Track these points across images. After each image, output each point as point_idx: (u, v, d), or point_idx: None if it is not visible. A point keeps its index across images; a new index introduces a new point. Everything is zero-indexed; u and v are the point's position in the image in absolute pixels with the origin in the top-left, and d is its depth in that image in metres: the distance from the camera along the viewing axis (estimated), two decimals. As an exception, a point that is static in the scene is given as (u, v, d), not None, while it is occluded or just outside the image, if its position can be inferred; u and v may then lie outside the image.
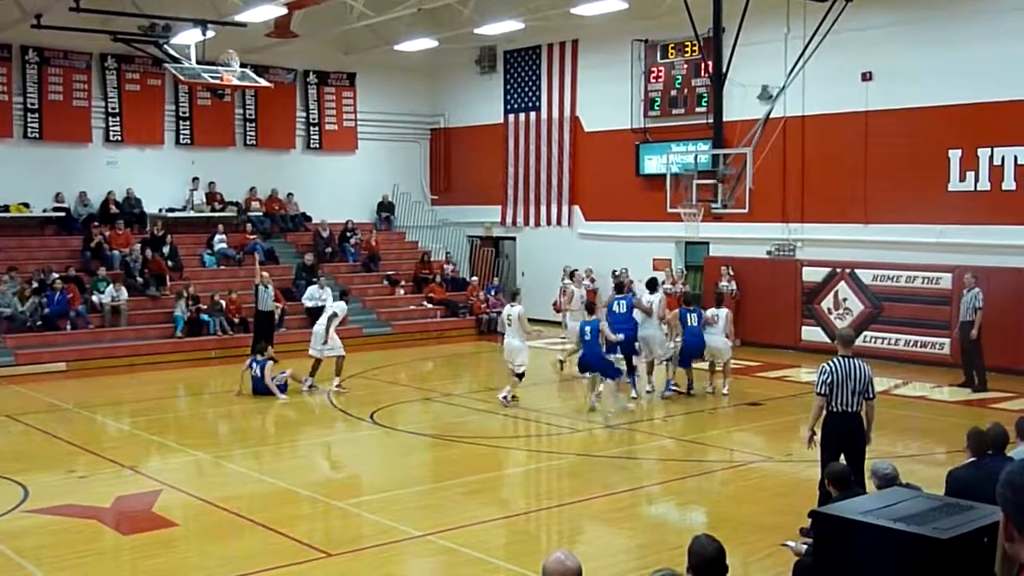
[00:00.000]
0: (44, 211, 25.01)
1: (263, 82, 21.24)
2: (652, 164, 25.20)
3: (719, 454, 13.57)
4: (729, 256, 23.62)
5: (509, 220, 29.35)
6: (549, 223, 28.30)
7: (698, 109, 24.36)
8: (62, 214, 25.07)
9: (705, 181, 21.38)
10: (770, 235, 23.02)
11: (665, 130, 25.17)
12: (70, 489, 11.89)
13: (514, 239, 29.69)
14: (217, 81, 19.07)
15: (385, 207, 30.27)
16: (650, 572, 3.84)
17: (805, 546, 7.03)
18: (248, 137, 28.08)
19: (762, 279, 23.04)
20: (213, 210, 27.00)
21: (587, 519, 11.03)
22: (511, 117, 29.16)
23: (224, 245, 26.11)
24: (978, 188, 19.89)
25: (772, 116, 21.19)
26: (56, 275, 22.38)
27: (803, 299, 22.43)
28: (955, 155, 20.08)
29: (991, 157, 19.68)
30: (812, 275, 22.33)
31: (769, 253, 23.25)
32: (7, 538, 9.96)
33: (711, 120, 23.17)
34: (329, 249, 27.56)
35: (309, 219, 28.46)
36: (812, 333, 22.27)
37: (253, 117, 28.06)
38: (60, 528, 10.45)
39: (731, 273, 23.13)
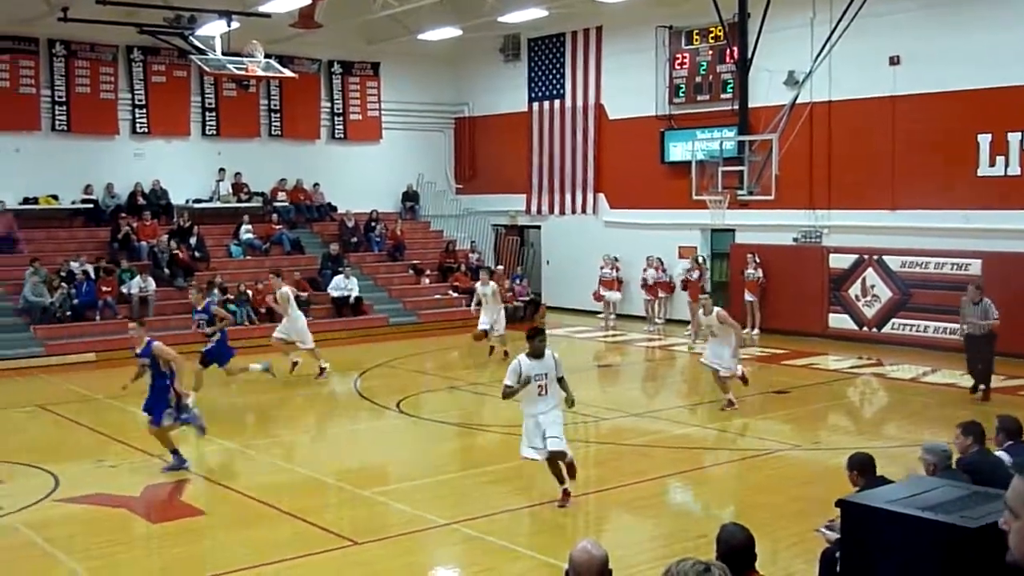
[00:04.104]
0: (72, 203, 25.20)
1: (288, 72, 21.27)
2: (677, 151, 25.08)
3: (746, 442, 13.52)
4: (755, 243, 23.49)
5: (534, 208, 29.30)
6: (574, 211, 28.24)
7: (723, 95, 24.22)
8: (90, 206, 25.24)
9: (731, 168, 21.29)
10: (797, 222, 22.87)
11: (690, 117, 25.04)
12: (100, 478, 11.99)
13: (539, 227, 29.65)
14: (242, 72, 19.13)
15: (410, 196, 30.30)
16: (676, 560, 3.82)
17: (837, 534, 6.99)
18: (273, 128, 28.15)
19: (789, 266, 22.91)
20: (239, 201, 27.12)
21: (613, 507, 11.02)
22: (535, 105, 29.09)
23: (250, 236, 26.22)
24: (1008, 173, 19.67)
25: (798, 102, 21.06)
26: (86, 265, 22.56)
27: (830, 286, 22.30)
28: (984, 139, 19.87)
29: (1021, 141, 19.46)
30: (839, 262, 22.19)
31: (796, 240, 23.11)
32: (38, 527, 10.06)
33: (736, 106, 23.06)
34: (354, 239, 27.63)
35: (334, 209, 28.53)
36: (839, 320, 22.16)
37: (278, 108, 28.13)
38: (90, 517, 10.55)
39: (757, 260, 23.02)
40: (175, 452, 12.20)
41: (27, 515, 10.50)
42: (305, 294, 24.07)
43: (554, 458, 10.32)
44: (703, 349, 16.61)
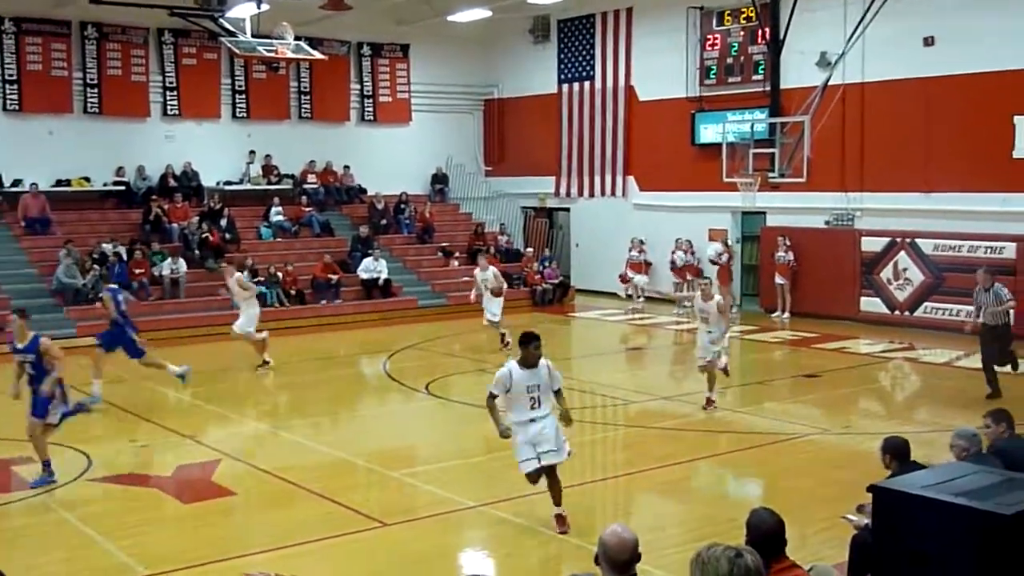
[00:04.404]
0: (104, 185, 25.38)
1: (317, 54, 21.28)
2: (708, 133, 24.92)
3: (776, 426, 13.44)
4: (786, 226, 23.33)
5: (563, 191, 29.22)
6: (603, 194, 28.14)
7: (755, 77, 24.03)
8: (122, 188, 25.40)
9: (762, 150, 21.14)
10: (828, 204, 22.68)
11: (721, 99, 24.85)
12: (132, 458, 12.11)
13: (568, 210, 29.58)
14: (272, 54, 19.15)
15: (439, 178, 30.29)
16: (706, 545, 3.80)
17: (866, 520, 6.94)
18: (303, 110, 28.20)
19: (820, 249, 22.75)
20: (269, 183, 27.21)
21: (642, 491, 11.01)
22: (565, 87, 28.98)
23: (281, 218, 26.31)
24: (1044, 155, 19.42)
25: (831, 83, 20.85)
26: (118, 247, 22.74)
27: (862, 269, 22.13)
28: (1020, 121, 19.57)
29: (1058, 123, 19.20)
30: (871, 245, 22.01)
31: (827, 223, 22.93)
32: (72, 506, 10.17)
33: (768, 88, 22.94)
34: (384, 221, 27.67)
35: (364, 191, 28.58)
36: (871, 304, 22.00)
37: (308, 90, 28.17)
38: (123, 496, 10.65)
39: (788, 243, 22.88)
40: (47, 464, 10.91)
41: (60, 494, 10.61)
42: (335, 277, 24.18)
43: (548, 472, 9.26)
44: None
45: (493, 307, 19.30)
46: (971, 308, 15.47)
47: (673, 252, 25.13)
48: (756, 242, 24.77)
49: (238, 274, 18.51)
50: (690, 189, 25.22)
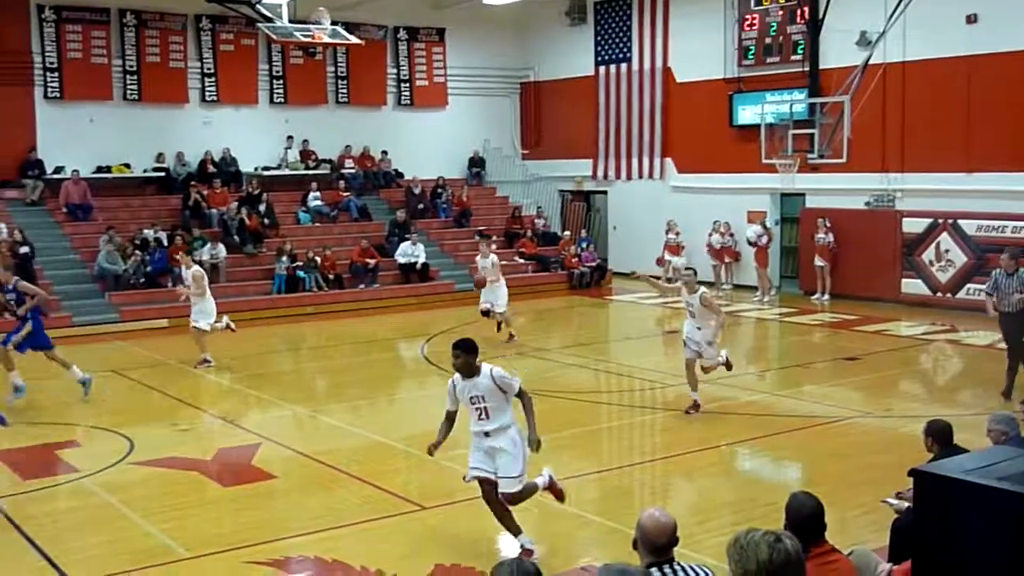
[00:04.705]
0: (145, 171, 25.59)
1: (354, 39, 21.28)
2: (746, 114, 24.73)
3: (815, 409, 13.35)
4: (826, 208, 23.11)
5: (600, 173, 29.12)
6: (641, 176, 28.02)
7: (794, 57, 23.79)
8: (162, 174, 25.61)
9: (801, 131, 20.97)
10: (869, 185, 22.44)
11: (759, 79, 24.63)
12: (173, 442, 12.22)
13: (605, 193, 29.49)
14: (309, 39, 19.18)
15: (476, 162, 30.28)
16: (744, 530, 3.78)
17: (907, 504, 6.88)
18: (340, 95, 28.27)
19: (860, 231, 22.52)
20: (307, 168, 27.33)
21: (680, 475, 10.98)
22: (602, 69, 28.85)
23: (319, 202, 26.43)
24: (1089, 134, 19.10)
25: (871, 63, 20.61)
26: (159, 232, 22.96)
27: (903, 251, 21.89)
28: (1065, 100, 19.30)
29: (1104, 101, 18.87)
30: (912, 226, 21.77)
31: (868, 204, 22.70)
32: (114, 489, 10.29)
33: (807, 68, 22.71)
34: (421, 205, 27.71)
35: (401, 175, 28.63)
36: (912, 286, 21.77)
37: (344, 75, 28.23)
38: (164, 479, 10.76)
39: (828, 225, 22.67)
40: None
41: (103, 477, 10.74)
42: (373, 261, 24.27)
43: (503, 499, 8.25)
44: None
45: (495, 296, 18.26)
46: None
47: (710, 234, 24.98)
48: (795, 224, 24.58)
49: (196, 267, 17.55)
50: (728, 171, 25.07)
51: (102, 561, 8.32)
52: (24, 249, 20.46)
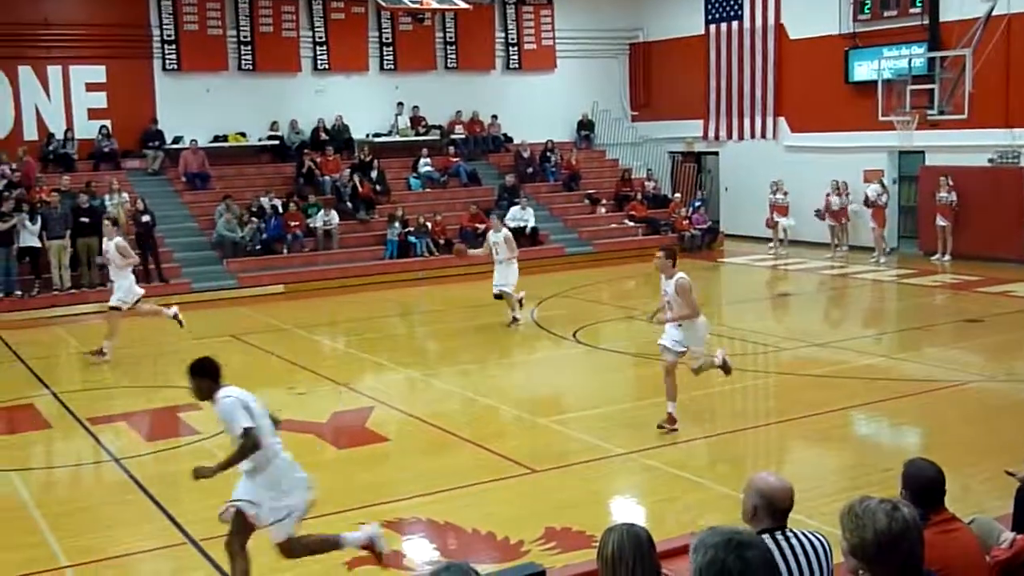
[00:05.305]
0: (260, 140, 26.10)
1: (462, 4, 21.38)
2: (862, 70, 24.04)
3: (936, 373, 12.98)
4: (947, 165, 22.37)
5: (711, 134, 28.67)
6: (753, 136, 27.50)
7: (912, 10, 22.99)
8: (276, 142, 26.09)
9: (920, 86, 20.32)
10: (992, 141, 21.63)
11: (876, 34, 23.88)
12: (290, 405, 12.46)
13: (716, 154, 29.04)
14: (417, 5, 19.31)
15: (585, 125, 30.10)
16: (859, 498, 3.69)
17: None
18: (449, 60, 28.34)
19: (983, 189, 21.76)
20: (417, 134, 27.52)
21: (793, 439, 10.82)
22: (712, 27, 28.32)
23: (429, 168, 26.61)
24: None
25: (994, 14, 19.78)
26: (274, 200, 23.43)
27: (1029, 209, 21.10)
28: None
29: None
30: (1039, 183, 20.95)
31: (991, 161, 21.90)
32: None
33: (927, 21, 21.92)
34: (530, 169, 27.69)
35: (510, 140, 28.63)
36: (1039, 245, 20.98)
37: (453, 40, 28.28)
38: (282, 442, 10.98)
39: (950, 183, 21.96)
40: None
41: (222, 440, 10.99)
42: (483, 226, 24.34)
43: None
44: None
45: (505, 277, 16.80)
46: None
47: (828, 195, 24.32)
48: (913, 182, 23.86)
49: (119, 239, 15.78)
50: (844, 129, 24.42)
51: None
52: (146, 218, 21.09)
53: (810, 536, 4.48)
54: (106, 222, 16.54)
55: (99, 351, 15.11)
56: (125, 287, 15.38)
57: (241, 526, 6.87)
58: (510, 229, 18.12)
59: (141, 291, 15.79)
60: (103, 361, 15.02)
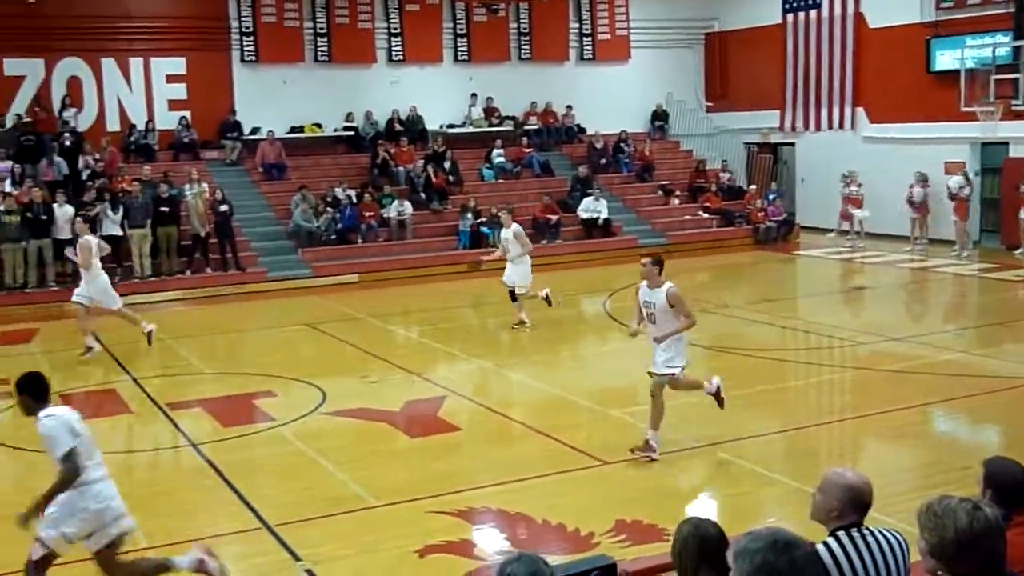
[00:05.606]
0: (335, 131, 26.35)
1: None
2: (944, 60, 23.52)
3: (1018, 370, 12.66)
4: (1032, 157, 21.83)
5: (788, 125, 28.29)
6: (831, 127, 27.06)
7: (997, -3, 22.46)
8: (351, 133, 26.32)
9: (1005, 76, 19.88)
10: (1080, 132, 21.07)
11: (959, 22, 23.33)
12: (363, 393, 12.63)
13: (793, 145, 28.65)
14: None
15: (659, 116, 29.89)
16: (937, 497, 3.61)
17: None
18: (523, 51, 28.33)
19: (1070, 181, 21.18)
20: (491, 125, 27.57)
21: (869, 435, 10.66)
22: (790, 17, 27.92)
23: (502, 159, 26.64)
24: None
25: (1084, 1, 19.27)
26: (348, 190, 23.64)
27: (1118, 202, 20.50)
28: None
29: None
30: None
31: (1078, 152, 21.32)
32: (308, 437, 10.72)
33: (1013, 9, 21.40)
34: (603, 160, 27.58)
35: (583, 131, 28.54)
36: None
37: (527, 30, 28.26)
38: (354, 429, 11.14)
39: (1035, 175, 21.42)
40: None
41: (297, 426, 11.20)
42: (555, 217, 24.34)
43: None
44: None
45: (515, 273, 16.27)
46: None
47: (911, 187, 23.78)
48: (997, 174, 23.30)
49: (89, 236, 15.45)
50: (925, 120, 23.92)
51: (297, 507, 8.68)
52: (224, 208, 21.43)
53: (887, 534, 4.40)
54: (78, 219, 16.61)
55: (87, 348, 14.75)
56: (99, 288, 14.88)
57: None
58: (528, 223, 17.95)
59: (119, 301, 15.30)
60: (93, 355, 14.64)
